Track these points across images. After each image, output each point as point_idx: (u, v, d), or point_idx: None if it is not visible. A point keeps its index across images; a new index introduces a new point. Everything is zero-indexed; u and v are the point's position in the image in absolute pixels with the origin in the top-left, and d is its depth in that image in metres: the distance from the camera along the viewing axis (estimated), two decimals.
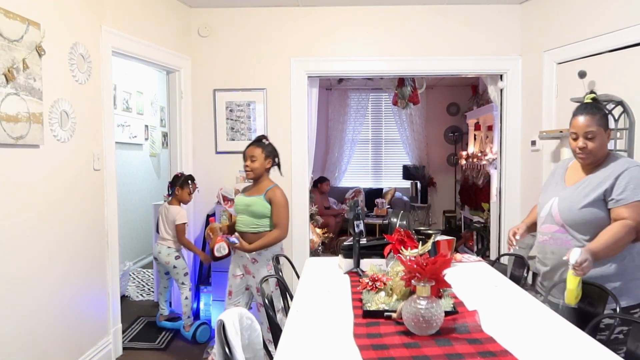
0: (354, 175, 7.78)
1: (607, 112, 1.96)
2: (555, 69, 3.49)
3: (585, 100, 2.00)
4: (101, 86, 2.99)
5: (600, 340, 1.59)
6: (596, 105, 1.96)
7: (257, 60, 3.98)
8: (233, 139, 4.03)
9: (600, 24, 3.07)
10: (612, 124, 2.91)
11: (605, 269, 1.88)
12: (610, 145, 2.93)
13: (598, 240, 1.81)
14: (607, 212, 1.88)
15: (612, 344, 1.64)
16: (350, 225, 2.31)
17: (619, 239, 1.78)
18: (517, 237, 2.14)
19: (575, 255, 1.71)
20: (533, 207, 2.31)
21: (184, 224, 3.51)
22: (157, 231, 3.70)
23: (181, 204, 3.57)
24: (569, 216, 1.93)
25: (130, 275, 5.03)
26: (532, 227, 2.21)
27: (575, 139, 1.94)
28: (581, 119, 1.91)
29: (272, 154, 2.82)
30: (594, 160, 1.93)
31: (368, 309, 1.69)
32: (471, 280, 2.20)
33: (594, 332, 1.70)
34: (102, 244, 3.03)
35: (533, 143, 3.72)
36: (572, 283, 1.74)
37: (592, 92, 2.04)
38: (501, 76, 3.95)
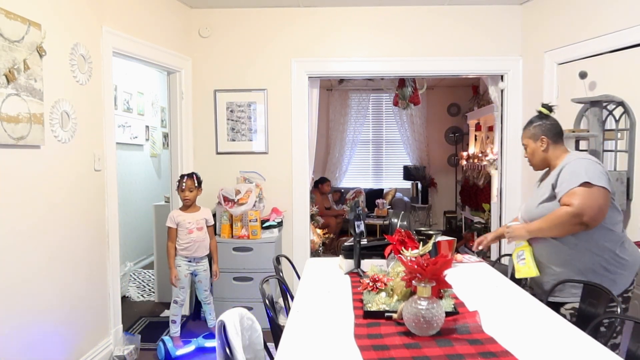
0: (355, 176, 7.78)
1: (542, 122, 2.16)
2: (556, 70, 3.49)
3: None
4: (102, 87, 2.99)
5: (602, 333, 1.66)
6: (535, 117, 2.22)
7: (257, 61, 3.99)
8: (234, 140, 4.04)
9: (601, 25, 3.07)
10: (612, 125, 2.92)
11: (573, 265, 2.01)
12: (611, 146, 2.94)
13: (538, 219, 2.04)
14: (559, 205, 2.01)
15: (600, 336, 1.73)
16: (351, 226, 2.30)
17: (549, 217, 1.97)
18: (480, 247, 2.35)
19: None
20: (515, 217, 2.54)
21: (169, 227, 3.24)
22: None
23: (185, 205, 3.28)
24: (529, 215, 2.13)
25: (130, 275, 5.04)
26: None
27: None
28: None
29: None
30: (536, 166, 2.21)
31: (369, 309, 1.69)
32: (472, 280, 2.20)
33: (595, 333, 1.70)
34: (102, 244, 3.03)
35: None
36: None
37: (543, 104, 2.24)
38: (502, 77, 3.96)
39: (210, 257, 3.37)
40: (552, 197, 2.02)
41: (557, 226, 1.94)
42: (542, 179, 2.25)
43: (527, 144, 2.19)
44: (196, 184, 3.27)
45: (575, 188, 1.90)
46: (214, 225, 3.43)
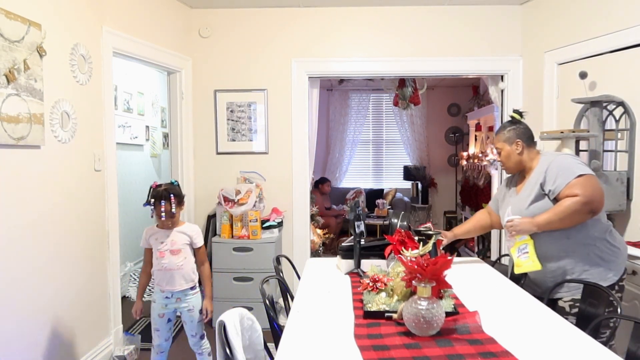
0: (355, 176, 7.78)
1: (517, 127, 2.22)
2: (556, 70, 3.49)
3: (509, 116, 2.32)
4: (102, 87, 2.99)
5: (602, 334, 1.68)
6: (508, 121, 2.28)
7: (257, 61, 3.99)
8: (234, 140, 4.04)
9: (601, 25, 3.07)
10: (612, 125, 2.92)
11: (570, 257, 2.05)
12: (612, 146, 2.94)
13: (543, 213, 2.03)
14: (552, 202, 2.04)
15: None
16: (351, 226, 2.30)
17: (559, 209, 1.97)
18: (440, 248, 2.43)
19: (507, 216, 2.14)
20: (472, 216, 2.62)
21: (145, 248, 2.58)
22: None
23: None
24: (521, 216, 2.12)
25: (131, 276, 5.03)
26: (465, 235, 2.59)
27: None
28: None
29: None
30: (510, 170, 2.27)
31: (369, 309, 1.69)
32: (472, 280, 2.20)
33: (595, 333, 1.70)
34: (103, 244, 3.03)
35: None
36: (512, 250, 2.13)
37: (514, 110, 2.33)
38: (502, 77, 3.96)
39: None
40: (540, 196, 2.06)
41: (568, 216, 1.95)
42: (515, 183, 2.29)
43: (501, 147, 2.24)
44: (173, 208, 2.41)
45: (573, 180, 1.96)
46: (216, 227, 3.31)
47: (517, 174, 2.31)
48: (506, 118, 3.93)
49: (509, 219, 2.11)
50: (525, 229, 2.05)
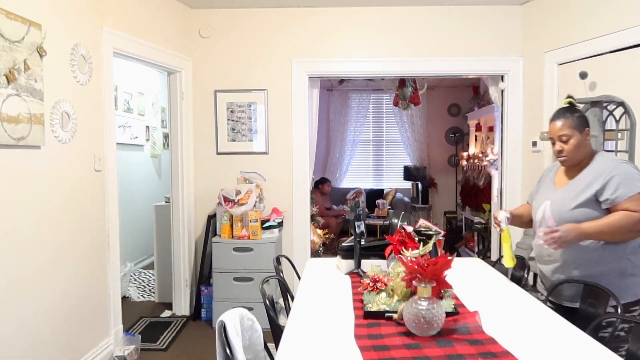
0: (355, 176, 7.78)
1: (581, 113, 2.00)
2: (556, 70, 3.49)
3: (563, 104, 2.06)
4: (102, 87, 2.99)
5: (602, 338, 1.62)
6: (570, 108, 2.01)
7: (258, 61, 3.99)
8: (234, 140, 4.04)
9: (602, 25, 3.07)
10: (612, 125, 2.92)
11: (600, 268, 1.91)
12: (612, 146, 2.93)
13: (592, 222, 1.86)
14: (601, 211, 1.89)
15: (613, 342, 1.67)
16: (351, 226, 2.30)
17: (614, 222, 1.82)
18: (502, 225, 2.15)
19: (502, 215, 2.11)
20: (523, 204, 2.39)
21: None
22: None
23: None
24: (561, 218, 1.95)
25: (131, 276, 5.04)
26: (516, 218, 2.23)
27: (554, 144, 2.01)
28: (555, 124, 1.99)
29: None
30: (573, 162, 1.98)
31: (369, 309, 1.69)
32: (472, 281, 2.20)
33: (595, 333, 1.70)
34: (103, 244, 3.03)
35: (534, 144, 3.71)
36: (505, 244, 2.09)
37: (569, 96, 2.10)
38: (502, 77, 3.96)
39: None
40: (590, 202, 1.89)
41: (621, 232, 1.82)
42: (553, 175, 2.10)
43: (570, 134, 1.93)
44: None
45: (636, 195, 1.82)
46: (216, 227, 3.29)
47: (556, 167, 2.12)
48: (506, 118, 3.93)
49: (551, 229, 1.86)
50: (573, 242, 1.84)
